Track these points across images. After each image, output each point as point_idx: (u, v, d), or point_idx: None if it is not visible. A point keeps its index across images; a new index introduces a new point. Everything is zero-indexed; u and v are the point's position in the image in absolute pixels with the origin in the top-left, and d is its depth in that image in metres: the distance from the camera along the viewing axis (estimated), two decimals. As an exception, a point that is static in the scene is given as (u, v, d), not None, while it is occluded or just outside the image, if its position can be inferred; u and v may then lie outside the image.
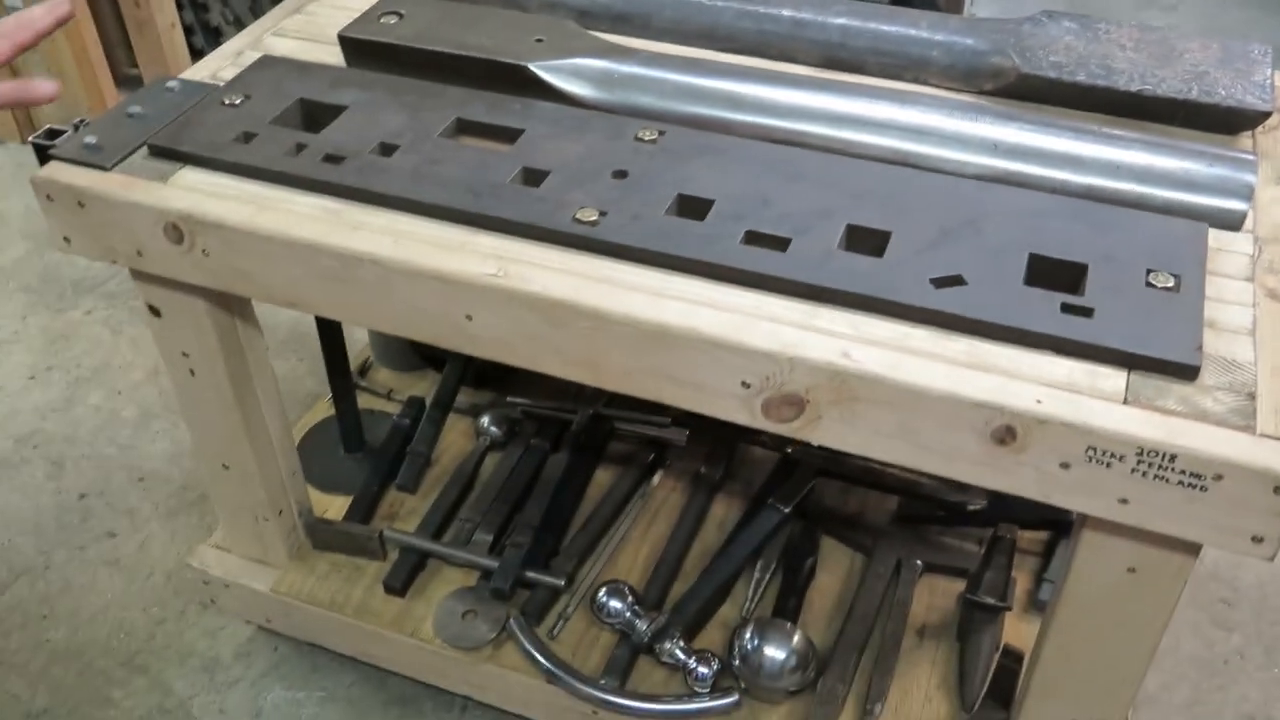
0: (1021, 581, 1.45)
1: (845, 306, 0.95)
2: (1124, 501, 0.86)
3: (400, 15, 1.35)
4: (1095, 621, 1.02)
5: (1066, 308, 0.92)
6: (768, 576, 1.46)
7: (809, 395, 0.92)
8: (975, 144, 1.12)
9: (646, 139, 1.15)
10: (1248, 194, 1.05)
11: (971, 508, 1.51)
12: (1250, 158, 1.07)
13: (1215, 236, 1.02)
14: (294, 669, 1.62)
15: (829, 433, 0.94)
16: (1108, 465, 0.85)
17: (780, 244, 1.00)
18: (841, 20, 1.32)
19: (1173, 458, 0.82)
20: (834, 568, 1.51)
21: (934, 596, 1.46)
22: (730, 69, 1.25)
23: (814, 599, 1.46)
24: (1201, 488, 0.83)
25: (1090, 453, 0.84)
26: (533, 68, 1.24)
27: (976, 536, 1.51)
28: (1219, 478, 0.82)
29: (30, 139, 1.18)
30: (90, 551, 1.83)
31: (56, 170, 1.15)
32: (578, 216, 1.03)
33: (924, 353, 0.90)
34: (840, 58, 1.32)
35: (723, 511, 1.59)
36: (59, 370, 2.22)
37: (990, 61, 1.24)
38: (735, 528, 1.53)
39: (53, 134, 1.18)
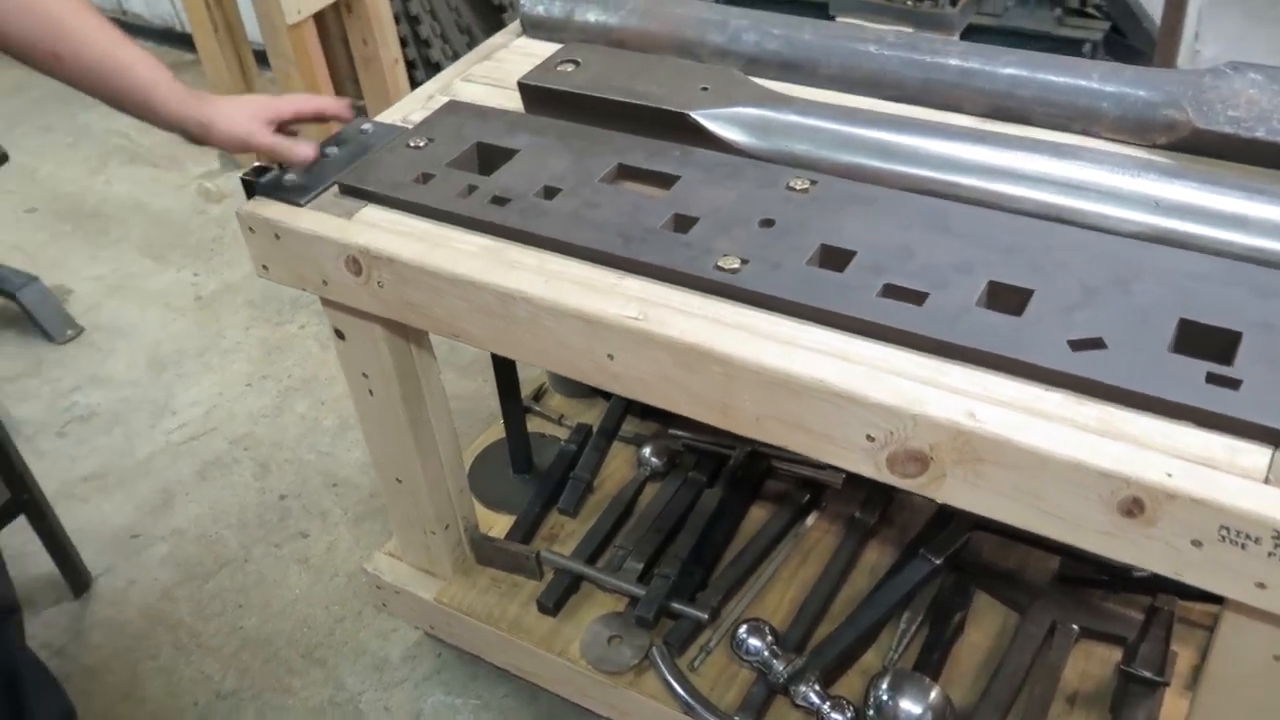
0: (1187, 656, 1.38)
1: (977, 365, 0.94)
2: (1261, 586, 0.82)
3: (577, 63, 1.42)
4: (1238, 709, 0.97)
5: (1212, 378, 0.89)
6: (914, 627, 1.44)
7: (933, 453, 0.92)
8: (1135, 200, 1.09)
9: (798, 188, 1.17)
10: None
11: (1137, 574, 1.45)
12: None
13: (1394, 307, 0.96)
14: (454, 676, 1.71)
15: (953, 492, 0.93)
16: (1243, 546, 0.81)
17: (917, 298, 1.00)
18: (1010, 70, 1.30)
19: (1314, 544, 0.78)
20: (985, 624, 1.47)
21: (1089, 664, 1.41)
22: (886, 118, 1.25)
23: (961, 654, 1.43)
24: (1346, 577, 0.78)
25: (1224, 532, 0.81)
26: (694, 115, 1.29)
27: (1141, 604, 1.44)
28: (1365, 568, 0.77)
29: (241, 175, 1.31)
30: (285, 549, 1.98)
31: (259, 205, 1.27)
32: (720, 264, 1.06)
33: (1053, 416, 0.89)
34: (1007, 107, 1.30)
35: (875, 557, 1.58)
36: (272, 379, 2.41)
37: (1163, 115, 1.20)
38: (885, 575, 1.52)
39: (260, 170, 1.31)
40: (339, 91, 3.10)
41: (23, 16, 1.08)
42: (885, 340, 0.98)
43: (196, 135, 1.20)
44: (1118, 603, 1.45)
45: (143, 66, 1.15)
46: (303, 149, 1.27)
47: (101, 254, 2.83)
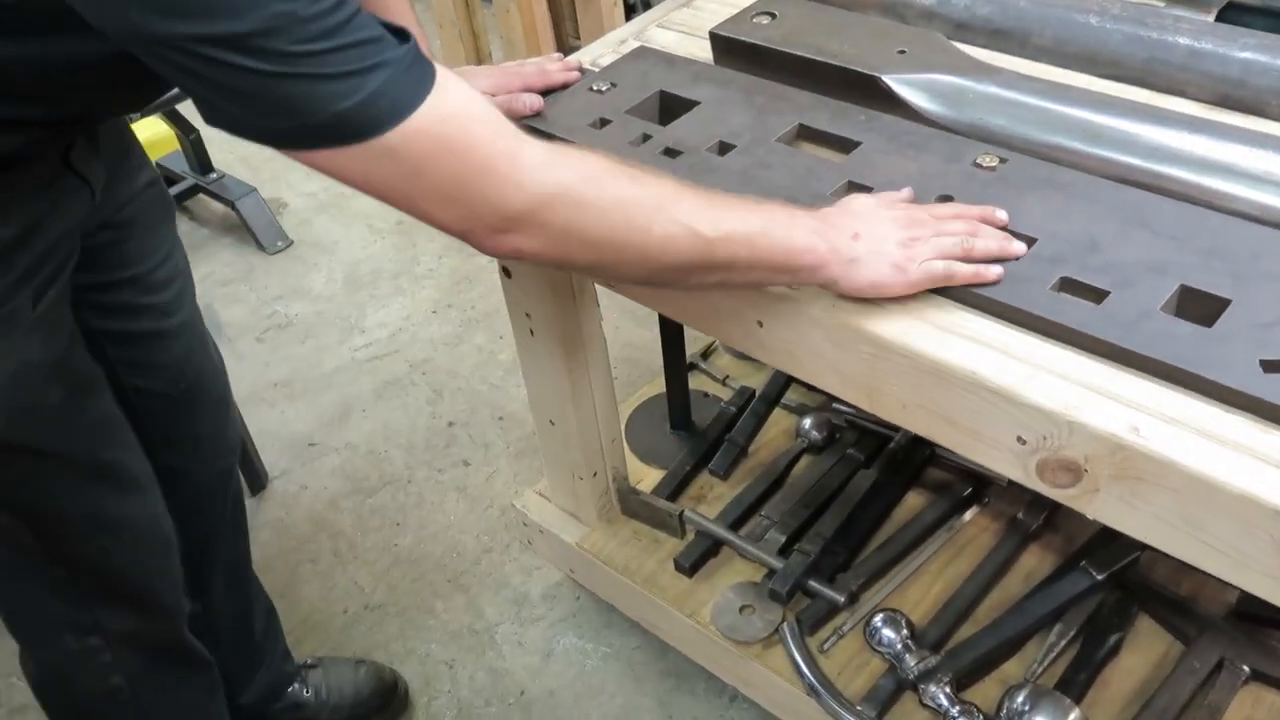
0: (1373, 719, 1.25)
1: (1151, 375, 0.86)
2: None
3: (773, 15, 1.37)
4: None
5: None
6: (1064, 642, 1.36)
7: (1087, 465, 0.85)
8: (1370, 211, 0.97)
9: (985, 165, 1.10)
10: None
11: (1327, 620, 1.32)
12: None
13: None
14: (589, 621, 1.73)
15: (1106, 509, 0.86)
16: None
17: (1096, 296, 0.92)
18: (1247, 54, 1.18)
19: None
20: (1144, 650, 1.37)
21: (1257, 710, 1.29)
22: (1095, 98, 1.16)
23: (1111, 679, 1.34)
24: None
25: None
26: (885, 79, 1.22)
27: (1327, 654, 1.31)
28: None
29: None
30: (446, 475, 2.04)
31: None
32: (885, 238, 1.01)
33: (1229, 442, 0.80)
34: (1238, 96, 1.18)
35: (1033, 563, 1.49)
36: (456, 309, 2.48)
37: None
38: (1040, 584, 1.43)
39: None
40: (557, 30, 3.13)
41: None
42: (1053, 338, 0.91)
43: None
44: (1300, 649, 1.33)
45: None
46: (531, 99, 1.24)
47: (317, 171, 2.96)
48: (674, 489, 1.65)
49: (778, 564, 1.46)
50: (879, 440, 1.64)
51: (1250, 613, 1.38)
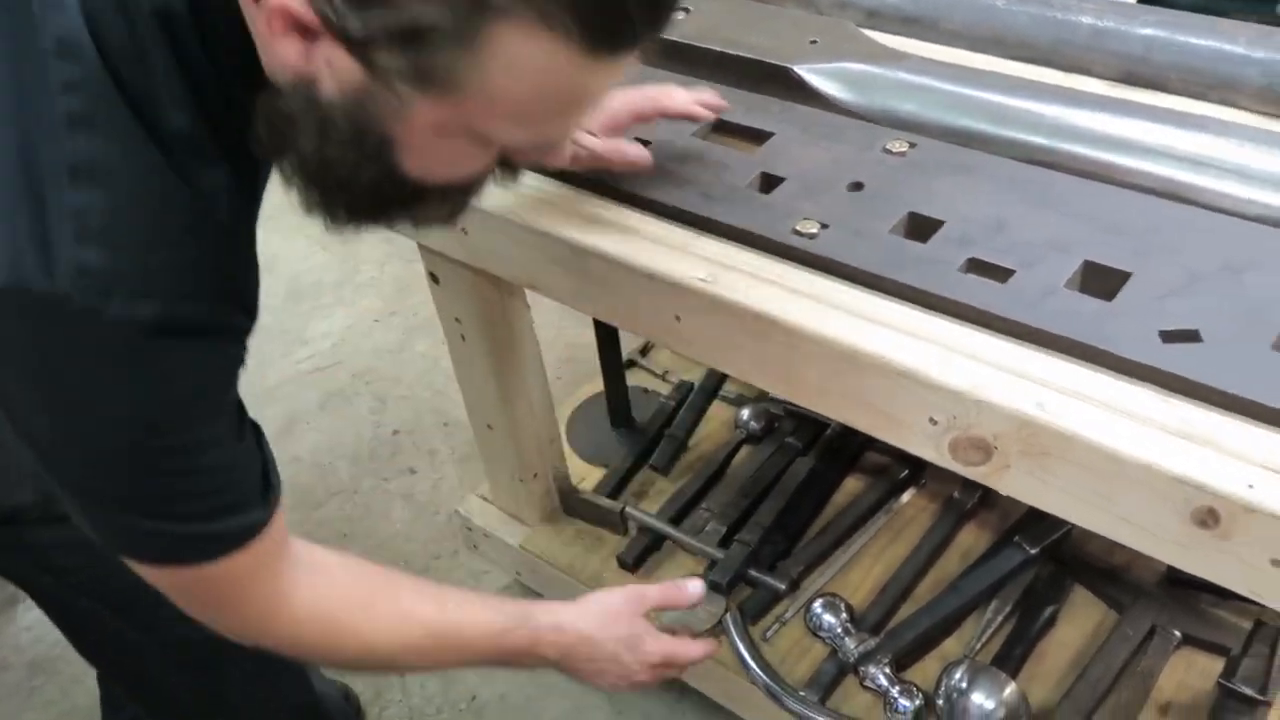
0: (1302, 675, 1.28)
1: (1056, 351, 0.88)
2: (1347, 616, 0.74)
3: (687, 10, 1.37)
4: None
5: (1318, 383, 0.80)
6: (1000, 618, 1.38)
7: (996, 442, 0.86)
8: (1264, 179, 0.99)
9: (895, 150, 1.11)
10: None
11: (1254, 583, 1.34)
12: None
13: None
14: (538, 622, 1.73)
15: (1017, 485, 0.87)
16: (1327, 571, 0.73)
17: (1002, 275, 0.94)
18: (1147, 31, 1.20)
19: None
20: (1080, 621, 1.39)
21: (1189, 674, 1.32)
22: (1001, 80, 1.17)
23: (1048, 651, 1.36)
24: None
25: (1306, 553, 0.73)
26: (797, 70, 1.23)
27: (1257, 614, 1.33)
28: None
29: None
30: (392, 484, 2.03)
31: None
32: (798, 228, 1.02)
33: (1132, 414, 0.82)
34: (1140, 73, 1.20)
35: (970, 541, 1.51)
36: (399, 316, 2.47)
37: (1314, 85, 1.09)
38: (976, 561, 1.45)
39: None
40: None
41: None
42: (961, 318, 0.92)
43: None
44: (1230, 611, 1.35)
45: None
46: (634, 150, 1.08)
47: (253, 185, 2.94)
48: (615, 486, 1.65)
49: (719, 555, 1.47)
50: (816, 427, 1.65)
51: (1181, 578, 1.40)
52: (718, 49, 1.28)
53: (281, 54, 0.62)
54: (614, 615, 1.10)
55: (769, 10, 1.36)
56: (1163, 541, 0.81)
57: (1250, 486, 0.75)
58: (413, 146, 0.65)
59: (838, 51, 1.25)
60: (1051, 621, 1.38)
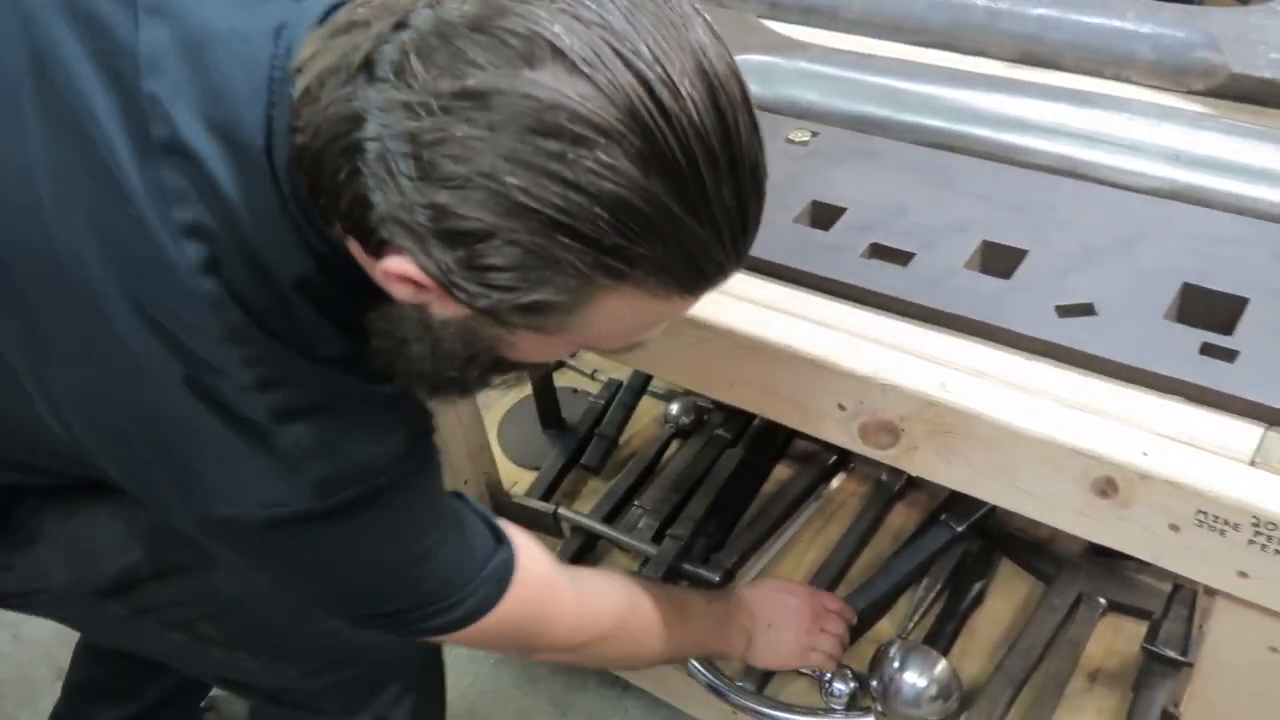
0: (1222, 635, 1.30)
1: (958, 331, 0.89)
2: (1243, 575, 0.76)
3: (590, 9, 1.37)
4: (1235, 700, 0.90)
5: (1207, 349, 0.82)
6: (931, 596, 1.39)
7: (903, 424, 0.87)
8: (1154, 153, 1.01)
9: (798, 140, 1.12)
10: None
11: (1174, 547, 1.37)
12: None
13: None
14: (478, 629, 1.72)
15: (926, 465, 0.89)
16: (1221, 533, 0.75)
17: (903, 259, 0.95)
18: (1040, 10, 1.22)
19: (1297, 533, 0.72)
20: (1009, 595, 1.41)
21: (1117, 640, 1.34)
22: (900, 65, 1.19)
23: (979, 626, 1.38)
24: (1334, 570, 0.72)
25: (1200, 517, 0.75)
26: (699, 64, 1.23)
27: (1174, 577, 1.36)
28: (1354, 562, 0.71)
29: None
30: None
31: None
32: (702, 222, 1.02)
33: (1031, 389, 0.83)
34: (1036, 52, 1.22)
35: (900, 522, 1.53)
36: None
37: (1200, 57, 1.11)
38: (906, 541, 1.46)
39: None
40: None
41: None
42: (865, 304, 0.93)
43: None
44: (1151, 576, 1.38)
45: None
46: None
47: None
48: (548, 488, 1.64)
49: (652, 551, 1.47)
50: (745, 419, 1.66)
51: (1104, 548, 1.43)
52: (620, 46, 1.28)
53: (396, 292, 0.67)
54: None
55: (672, 5, 1.36)
56: (1066, 512, 0.83)
57: (1145, 454, 0.77)
58: (516, 351, 0.72)
59: (740, 43, 1.25)
60: (981, 597, 1.40)
